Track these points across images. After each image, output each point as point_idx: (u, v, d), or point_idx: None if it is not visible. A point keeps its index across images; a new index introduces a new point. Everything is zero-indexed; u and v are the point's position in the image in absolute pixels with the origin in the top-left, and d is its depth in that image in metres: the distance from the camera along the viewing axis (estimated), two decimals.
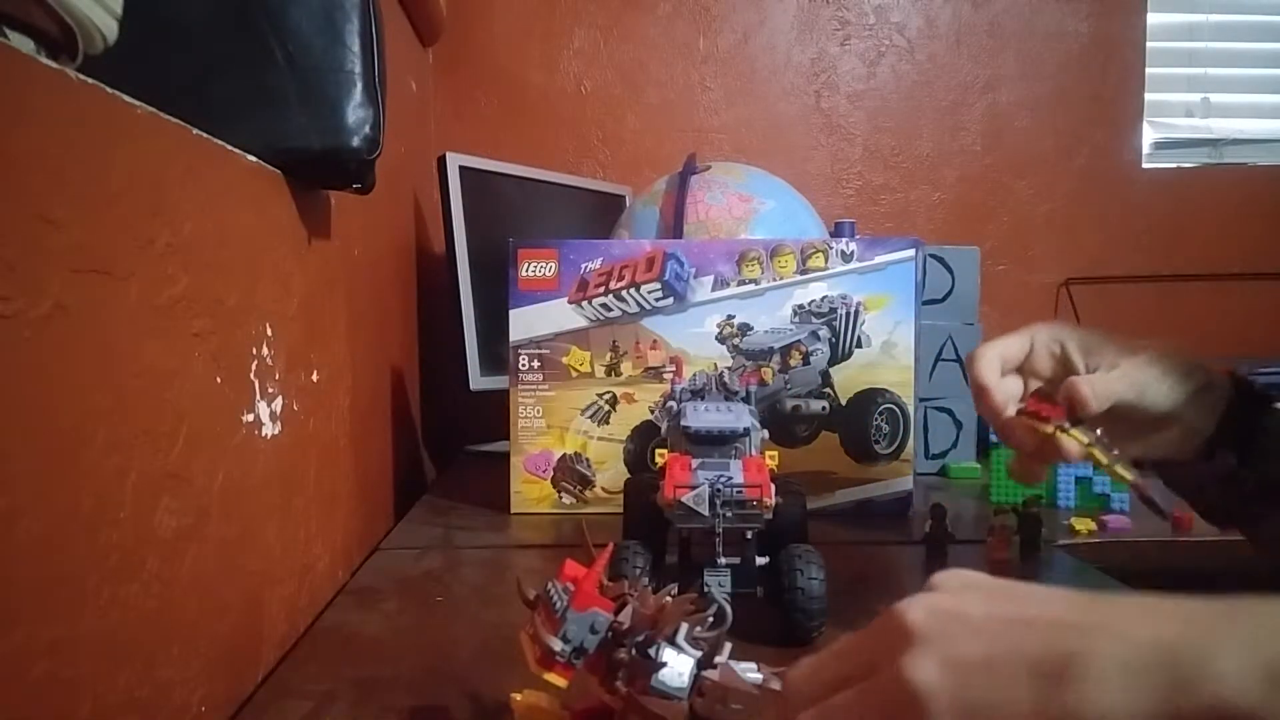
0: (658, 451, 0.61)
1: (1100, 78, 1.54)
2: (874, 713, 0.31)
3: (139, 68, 0.43)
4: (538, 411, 0.91)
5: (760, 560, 0.60)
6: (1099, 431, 0.54)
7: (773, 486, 0.57)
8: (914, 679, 0.29)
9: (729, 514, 0.56)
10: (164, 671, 0.42)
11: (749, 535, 0.59)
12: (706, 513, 0.55)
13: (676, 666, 0.37)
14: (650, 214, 1.04)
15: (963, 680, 0.29)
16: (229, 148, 0.51)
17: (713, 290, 0.89)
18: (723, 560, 0.58)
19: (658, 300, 0.89)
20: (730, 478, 0.56)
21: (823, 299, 0.89)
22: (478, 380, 1.15)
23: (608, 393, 0.91)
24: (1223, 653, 0.26)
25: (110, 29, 0.40)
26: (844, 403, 0.90)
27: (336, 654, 0.56)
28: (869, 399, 0.90)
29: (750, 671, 0.38)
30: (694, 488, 0.56)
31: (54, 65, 0.34)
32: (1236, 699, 0.26)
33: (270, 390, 0.57)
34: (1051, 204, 1.55)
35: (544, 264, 0.90)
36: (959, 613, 0.31)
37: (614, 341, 0.90)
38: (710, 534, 0.58)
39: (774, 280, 0.89)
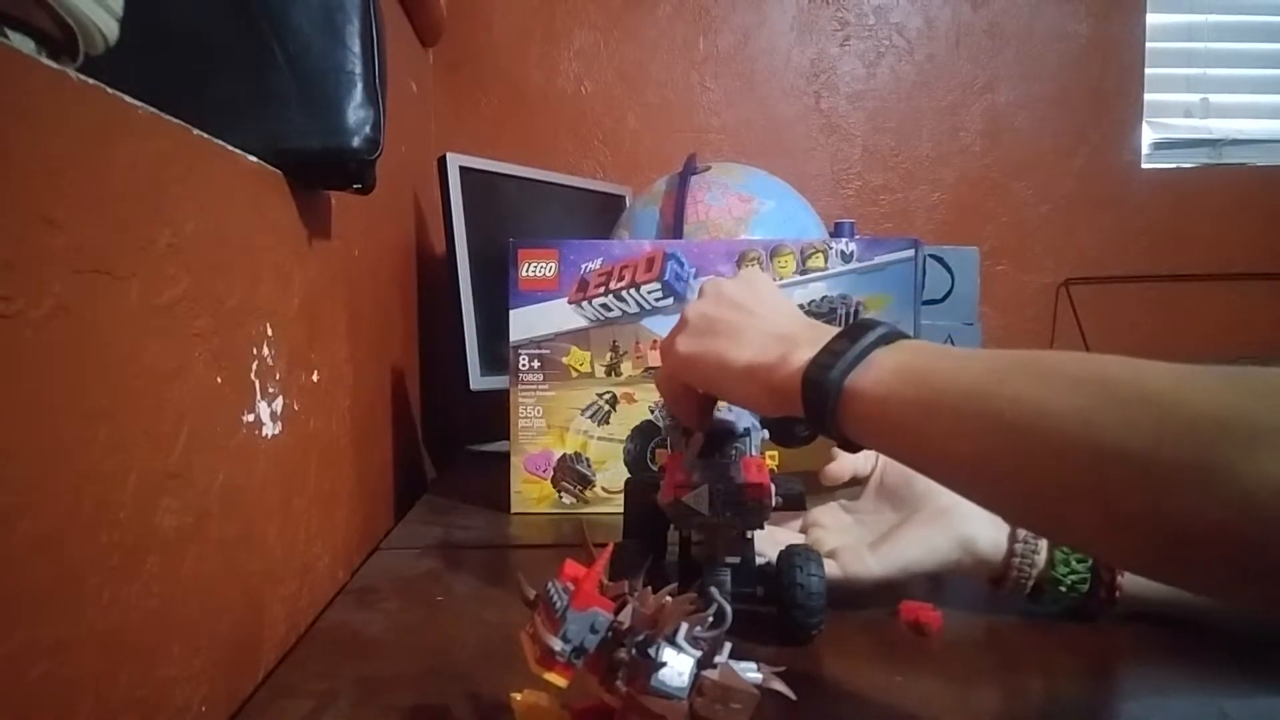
0: (658, 451, 0.61)
1: (1100, 78, 1.54)
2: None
3: (139, 68, 0.43)
4: (538, 411, 0.91)
5: (760, 560, 0.60)
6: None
7: (773, 486, 0.57)
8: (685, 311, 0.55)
9: (729, 514, 0.56)
10: (164, 671, 0.42)
11: (749, 535, 0.59)
12: (707, 512, 0.55)
13: (676, 666, 0.37)
14: (650, 214, 1.05)
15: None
16: (229, 148, 0.51)
17: None
18: (723, 560, 0.58)
19: (658, 300, 0.89)
20: (731, 478, 0.56)
21: (822, 299, 0.89)
22: (478, 380, 1.15)
23: (608, 393, 0.91)
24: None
25: (110, 29, 0.40)
26: None
27: (337, 654, 0.56)
28: None
29: (750, 671, 0.38)
30: (694, 488, 0.56)
31: (54, 65, 0.34)
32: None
33: (271, 390, 0.57)
34: (1051, 204, 1.55)
35: (544, 264, 0.90)
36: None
37: (614, 341, 0.90)
38: (711, 534, 0.58)
39: (774, 280, 0.89)
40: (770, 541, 0.65)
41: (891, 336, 0.45)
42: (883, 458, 0.68)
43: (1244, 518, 0.31)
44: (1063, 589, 0.59)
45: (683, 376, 0.54)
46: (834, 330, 0.47)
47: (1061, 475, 0.36)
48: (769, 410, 0.50)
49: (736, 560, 0.58)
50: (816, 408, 0.45)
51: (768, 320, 0.51)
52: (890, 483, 0.66)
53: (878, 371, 0.44)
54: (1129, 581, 0.58)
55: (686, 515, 0.56)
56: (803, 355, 0.46)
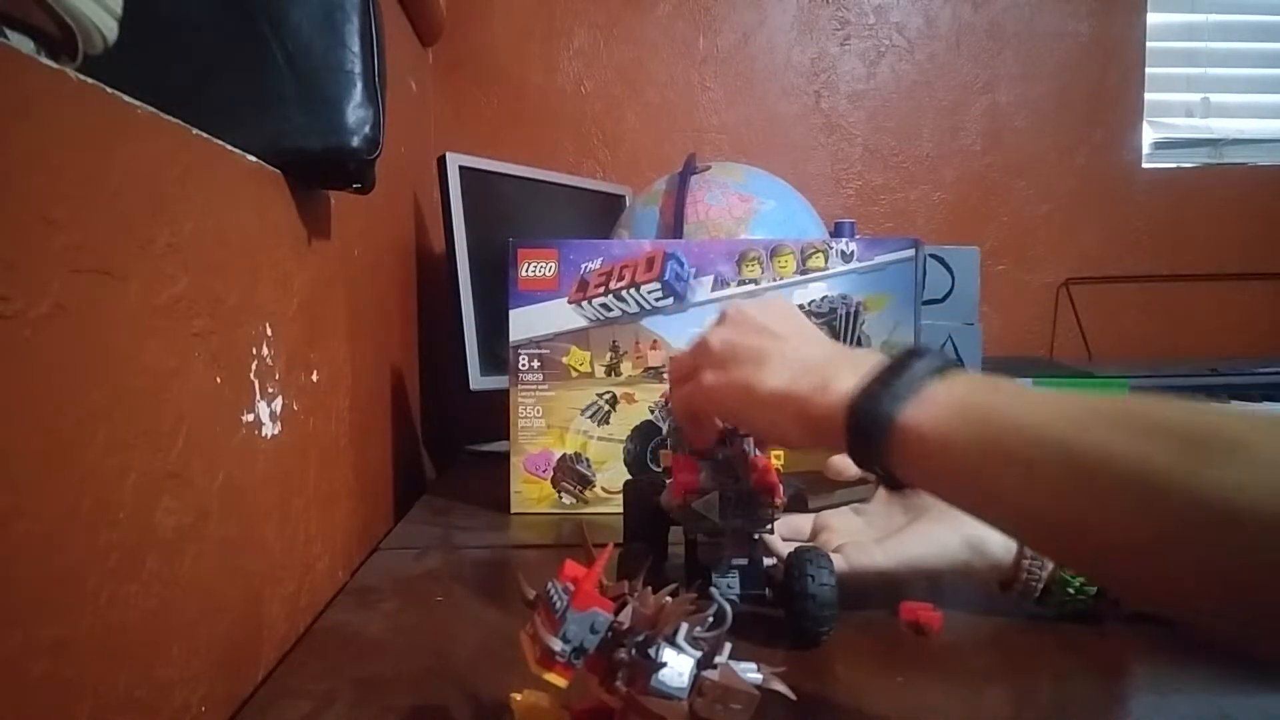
0: (661, 452, 0.61)
1: (1100, 78, 1.54)
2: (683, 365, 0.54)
3: (139, 68, 0.43)
4: (538, 411, 0.91)
5: (768, 561, 0.60)
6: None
7: (781, 487, 0.56)
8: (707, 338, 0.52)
9: (739, 519, 0.56)
10: (164, 671, 0.42)
11: (756, 536, 0.59)
12: (718, 517, 0.55)
13: (676, 666, 0.37)
14: (650, 214, 1.04)
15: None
16: (229, 148, 0.51)
17: (713, 290, 0.89)
18: (731, 562, 0.58)
19: (658, 300, 0.89)
20: (741, 481, 0.56)
21: (823, 299, 0.89)
22: (478, 380, 1.15)
23: (608, 393, 0.90)
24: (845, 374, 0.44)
25: (110, 29, 0.40)
26: None
27: (336, 654, 0.56)
28: None
29: (750, 671, 0.38)
30: (703, 491, 0.55)
31: (54, 65, 0.34)
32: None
33: (270, 390, 0.56)
34: (1051, 204, 1.55)
35: (544, 264, 0.90)
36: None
37: (614, 341, 0.90)
38: (718, 536, 0.58)
39: (774, 280, 0.89)
40: (787, 527, 0.64)
41: (943, 367, 0.42)
42: None
43: None
44: (1071, 591, 0.59)
45: (705, 409, 0.53)
46: (870, 356, 0.45)
47: (1158, 528, 0.33)
48: (800, 443, 0.47)
49: (744, 562, 0.58)
50: (863, 442, 0.42)
51: (794, 346, 0.49)
52: None
53: (932, 407, 0.40)
54: None
55: (696, 520, 0.56)
56: (843, 384, 0.43)
